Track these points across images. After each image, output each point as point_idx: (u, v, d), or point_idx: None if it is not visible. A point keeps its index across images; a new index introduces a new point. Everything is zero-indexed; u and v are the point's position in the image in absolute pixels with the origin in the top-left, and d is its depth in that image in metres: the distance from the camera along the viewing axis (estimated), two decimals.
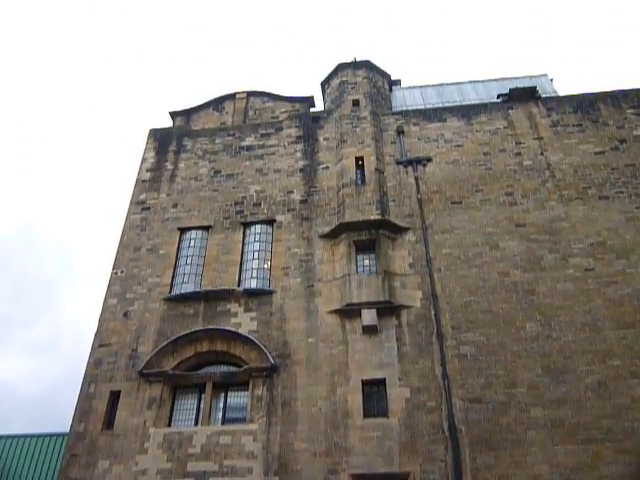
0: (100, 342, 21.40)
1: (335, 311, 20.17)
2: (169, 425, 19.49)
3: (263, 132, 27.02)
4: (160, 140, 27.79)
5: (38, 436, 21.58)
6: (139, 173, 26.58)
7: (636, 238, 20.70)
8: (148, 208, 25.04)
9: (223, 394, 20.07)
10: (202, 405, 19.76)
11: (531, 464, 16.60)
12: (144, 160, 27.12)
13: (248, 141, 26.78)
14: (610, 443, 16.70)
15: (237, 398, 19.91)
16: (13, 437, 22.24)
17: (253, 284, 21.85)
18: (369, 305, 19.71)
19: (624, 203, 21.74)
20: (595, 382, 17.80)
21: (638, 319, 18.87)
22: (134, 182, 26.30)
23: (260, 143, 26.57)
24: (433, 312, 19.64)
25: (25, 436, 21.50)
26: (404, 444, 17.41)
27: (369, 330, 19.39)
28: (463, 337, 19.10)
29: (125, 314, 21.94)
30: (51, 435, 22.91)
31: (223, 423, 19.31)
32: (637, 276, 19.78)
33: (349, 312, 19.90)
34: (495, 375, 18.25)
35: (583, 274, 20.15)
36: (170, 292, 22.24)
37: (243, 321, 20.64)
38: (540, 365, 18.28)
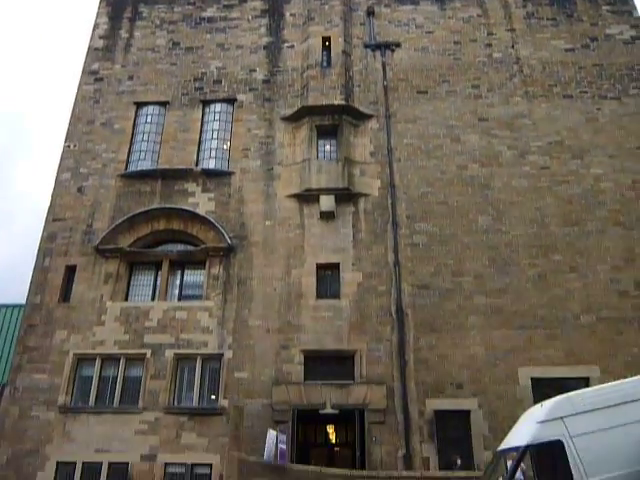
0: (54, 216, 21.08)
1: (294, 195, 20.24)
2: (126, 300, 19.87)
3: (226, 3, 25.30)
4: (113, 5, 25.75)
5: None
6: (91, 40, 24.85)
7: (593, 139, 21.05)
8: (101, 79, 23.72)
9: (180, 272, 20.40)
10: (159, 282, 20.10)
11: (469, 346, 17.88)
12: (96, 26, 25.25)
13: (210, 12, 25.12)
14: (542, 330, 18.03)
15: (193, 276, 20.29)
16: None
17: (212, 164, 21.52)
18: (328, 191, 19.82)
19: (587, 103, 21.83)
20: (536, 274, 18.84)
21: (583, 218, 19.68)
22: (86, 50, 24.64)
23: (222, 15, 24.97)
24: (390, 201, 19.95)
25: None
26: (353, 324, 18.36)
27: (326, 216, 19.67)
28: (417, 227, 19.63)
29: (79, 189, 21.48)
30: (7, 306, 23.10)
31: (179, 299, 19.81)
32: (588, 177, 20.35)
33: (307, 197, 20.01)
34: (444, 264, 19.05)
35: (538, 172, 20.59)
36: (126, 169, 21.74)
37: (201, 201, 20.54)
38: (487, 256, 19.12)
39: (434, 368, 17.64)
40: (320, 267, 19.30)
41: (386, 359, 17.82)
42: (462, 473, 13.79)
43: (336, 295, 18.93)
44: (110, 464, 17.31)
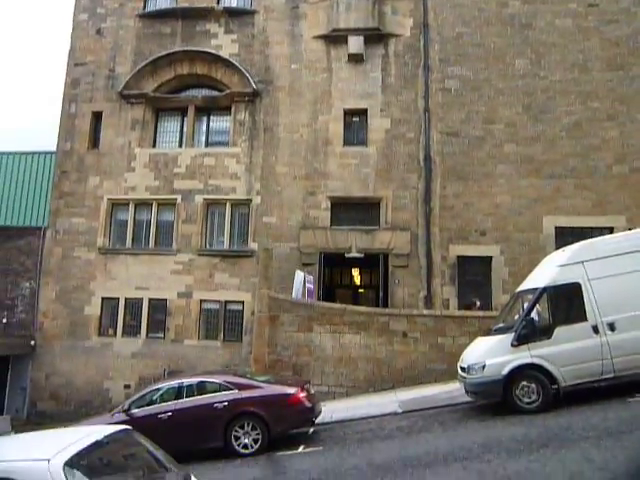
0: (75, 61, 20.61)
1: (321, 37, 19.18)
2: (154, 146, 20.00)
3: None
4: None
5: (29, 153, 21.99)
6: None
7: None
8: None
9: (205, 118, 20.21)
10: (185, 128, 20.02)
11: (495, 194, 17.85)
12: None
13: None
14: (572, 179, 17.76)
15: (219, 122, 20.12)
16: (7, 154, 22.56)
17: (234, 2, 20.26)
18: (356, 31, 18.71)
19: None
20: (572, 122, 18.13)
21: (629, 62, 18.38)
22: None
23: None
24: (422, 42, 18.81)
25: (17, 153, 21.87)
26: (380, 171, 18.34)
27: (355, 58, 18.76)
28: (450, 71, 18.68)
29: (98, 31, 20.69)
30: (41, 153, 23.44)
31: (206, 146, 19.85)
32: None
33: (335, 38, 18.96)
34: (476, 111, 18.40)
35: (585, 10, 18.91)
36: (144, 8, 20.66)
37: (224, 43, 19.67)
38: (522, 103, 18.33)
39: (459, 215, 17.84)
40: (347, 113, 18.86)
41: (411, 206, 18.02)
42: (479, 313, 14.51)
43: (363, 142, 18.70)
44: (150, 300, 18.67)
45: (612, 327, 8.98)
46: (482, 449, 7.14)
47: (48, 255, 19.29)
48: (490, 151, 18.13)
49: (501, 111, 18.35)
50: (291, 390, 9.51)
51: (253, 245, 18.42)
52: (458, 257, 17.64)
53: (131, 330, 18.59)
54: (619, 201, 17.48)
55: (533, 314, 10.33)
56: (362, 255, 17.96)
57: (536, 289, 9.68)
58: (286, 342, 14.57)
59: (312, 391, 10.26)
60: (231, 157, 19.16)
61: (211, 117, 20.17)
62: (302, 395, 9.45)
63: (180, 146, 19.89)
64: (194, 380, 10.17)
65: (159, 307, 18.69)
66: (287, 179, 18.71)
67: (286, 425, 9.50)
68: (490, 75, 18.57)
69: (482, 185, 17.94)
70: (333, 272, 21.75)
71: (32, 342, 18.65)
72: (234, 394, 9.47)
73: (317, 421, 11.08)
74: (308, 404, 9.47)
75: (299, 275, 15.64)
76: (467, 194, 17.94)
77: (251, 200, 18.77)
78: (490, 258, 17.56)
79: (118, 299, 18.71)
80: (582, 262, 9.40)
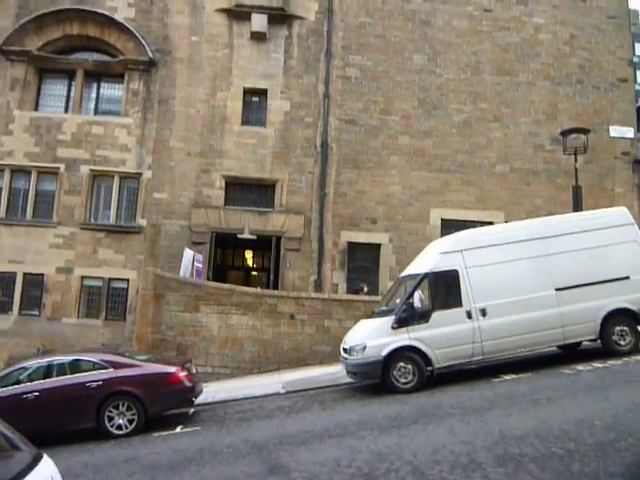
0: None
1: (223, 10, 18.64)
2: (36, 109, 18.55)
3: None
4: None
5: None
6: None
7: None
8: None
9: (96, 84, 19.05)
10: (72, 93, 18.74)
11: (388, 184, 18.39)
12: None
13: None
14: (459, 175, 18.70)
15: (111, 90, 19.05)
16: None
17: None
18: (261, 9, 18.38)
19: None
20: (462, 120, 19.04)
21: (516, 68, 19.58)
22: None
23: None
24: (326, 28, 18.87)
25: None
26: (277, 154, 18.25)
27: (257, 37, 18.45)
28: (351, 59, 18.91)
29: None
30: None
31: (95, 114, 18.71)
32: (528, 25, 19.90)
33: (238, 14, 18.51)
34: (373, 101, 18.79)
35: (480, 14, 19.87)
36: None
37: (120, 5, 18.55)
38: (417, 97, 18.98)
39: (352, 202, 18.19)
40: (247, 92, 18.56)
41: (307, 190, 18.12)
42: (366, 297, 14.90)
43: (262, 123, 18.50)
44: (25, 274, 17.38)
45: (484, 313, 9.54)
46: (357, 426, 7.31)
47: None
48: (385, 141, 18.61)
49: (398, 103, 18.87)
50: (170, 369, 9.21)
51: (142, 221, 17.68)
52: (349, 243, 18.02)
53: (2, 306, 17.20)
54: (499, 198, 18.65)
55: (416, 299, 10.79)
56: (255, 237, 17.83)
57: (418, 275, 10.07)
58: (171, 322, 14.14)
59: (194, 371, 10.00)
60: (122, 128, 18.21)
61: (102, 84, 19.04)
62: (182, 374, 9.18)
63: (66, 112, 18.59)
64: (66, 358, 9.55)
65: (35, 283, 17.45)
66: (181, 155, 18.10)
67: (164, 405, 9.19)
68: (389, 67, 19.02)
69: (375, 174, 18.39)
70: (225, 253, 21.41)
71: None
72: (109, 373, 9.00)
73: (199, 401, 10.85)
74: (188, 384, 9.21)
75: (188, 253, 15.22)
76: (361, 182, 18.32)
77: (141, 174, 17.98)
78: (379, 245, 18.10)
79: None
80: (461, 251, 9.89)
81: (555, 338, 9.86)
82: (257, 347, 14.27)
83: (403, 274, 11.07)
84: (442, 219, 18.29)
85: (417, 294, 10.81)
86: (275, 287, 17.43)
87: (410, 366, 9.33)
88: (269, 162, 18.19)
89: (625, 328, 9.94)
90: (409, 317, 9.48)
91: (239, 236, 17.77)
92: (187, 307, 14.15)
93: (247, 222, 17.77)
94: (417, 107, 18.95)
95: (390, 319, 9.53)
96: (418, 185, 18.52)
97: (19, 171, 17.98)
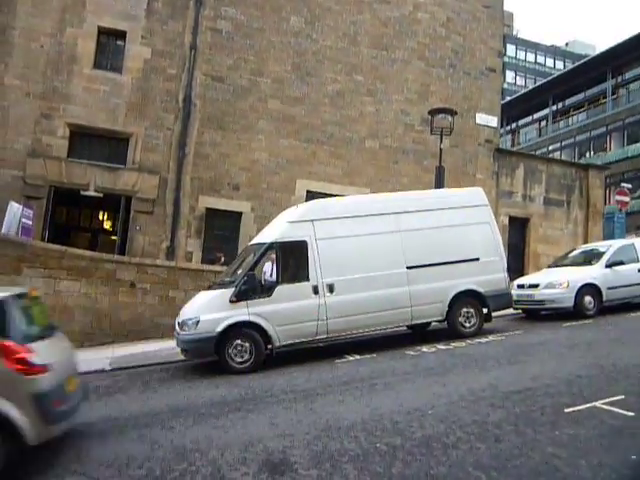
0: None
1: None
2: None
3: None
4: None
5: None
6: None
7: None
8: None
9: None
10: None
11: (254, 149, 17.30)
12: None
13: None
14: (329, 147, 18.09)
15: None
16: None
17: None
18: None
19: None
20: (335, 91, 18.37)
21: (393, 44, 19.20)
22: None
23: None
24: None
25: None
26: (133, 105, 16.41)
27: None
28: (223, 11, 17.41)
29: None
30: None
31: None
32: (409, 3, 19.57)
33: None
34: (245, 59, 17.50)
35: None
36: None
37: None
38: (292, 61, 17.97)
39: (214, 166, 16.91)
40: (103, 32, 16.44)
41: (164, 148, 16.53)
42: (217, 267, 13.82)
43: (118, 69, 16.51)
44: None
45: (331, 289, 8.88)
46: (171, 414, 6.31)
47: None
48: (254, 104, 17.45)
49: (270, 65, 17.75)
50: None
51: None
52: (207, 209, 16.77)
53: None
54: (367, 174, 18.33)
55: (267, 270, 9.93)
56: (101, 195, 16.01)
57: (263, 244, 9.17)
58: None
59: None
60: None
61: None
62: None
63: None
64: None
65: None
66: (18, 94, 15.66)
67: None
68: (264, 25, 17.80)
69: (241, 138, 17.23)
70: (72, 212, 19.22)
71: None
72: None
73: None
74: None
75: (13, 207, 13.14)
76: (225, 145, 17.07)
77: None
78: (240, 214, 17.05)
79: None
80: (312, 221, 9.13)
81: (403, 318, 9.47)
82: (90, 317, 12.67)
83: (251, 242, 10.12)
84: (307, 191, 17.60)
85: (268, 265, 9.98)
86: (122, 252, 15.79)
87: (247, 344, 8.45)
88: (123, 113, 16.31)
89: (471, 310, 9.82)
90: (250, 290, 8.54)
91: (83, 193, 15.84)
92: (6, 269, 12.15)
93: (93, 178, 15.85)
94: (290, 71, 17.96)
95: (229, 291, 8.55)
96: (285, 153, 17.64)
97: None
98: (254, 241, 9.96)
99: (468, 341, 9.26)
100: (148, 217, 16.25)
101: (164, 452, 4.99)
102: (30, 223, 13.86)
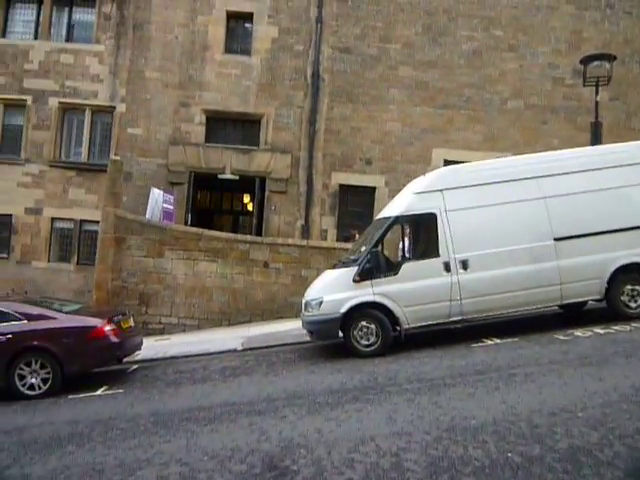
0: None
1: None
2: (3, 36, 16.94)
3: None
4: None
5: None
6: None
7: None
8: None
9: (67, 9, 17.24)
10: (42, 18, 17.03)
11: (385, 120, 16.54)
12: None
13: None
14: (466, 111, 16.75)
15: (84, 14, 17.24)
16: None
17: None
18: None
19: None
20: (471, 50, 16.91)
21: None
22: None
23: None
24: None
25: None
26: (263, 86, 16.47)
27: None
28: None
29: None
30: None
31: (67, 40, 17.02)
32: None
33: None
34: (373, 27, 16.71)
35: None
36: None
37: None
38: (422, 23, 16.82)
39: (345, 141, 16.45)
40: (231, 16, 16.63)
41: (295, 127, 16.40)
42: (349, 245, 13.36)
43: (247, 51, 16.65)
44: None
45: (465, 265, 7.96)
46: (287, 401, 5.97)
47: None
48: (384, 73, 16.64)
49: (399, 30, 16.78)
50: (92, 322, 7.93)
51: (115, 159, 16.18)
52: (340, 186, 16.41)
53: None
54: (510, 137, 16.72)
55: (406, 245, 9.30)
56: (237, 177, 16.30)
57: (388, 218, 8.49)
58: (133, 268, 12.87)
59: (131, 324, 8.73)
60: (93, 56, 16.55)
61: (74, 8, 17.22)
62: (107, 328, 7.89)
63: (36, 38, 16.95)
64: None
65: (4, 224, 16.33)
66: (157, 86, 16.44)
67: (84, 363, 7.94)
68: None
69: (372, 110, 16.54)
70: (213, 196, 19.99)
71: None
72: (21, 325, 7.76)
73: (147, 357, 9.79)
74: (114, 339, 7.93)
75: (155, 193, 13.81)
76: (355, 118, 16.51)
77: (115, 107, 16.41)
78: (374, 189, 16.44)
79: None
80: (441, 190, 8.23)
81: (551, 297, 8.22)
82: (227, 297, 12.97)
83: (377, 217, 9.44)
84: (445, 160, 16.40)
85: (408, 240, 9.31)
86: (259, 233, 16.01)
87: (373, 326, 7.87)
88: (254, 95, 16.44)
89: (637, 287, 8.25)
90: (374, 268, 7.91)
91: (219, 176, 16.27)
92: (150, 252, 12.84)
93: (229, 161, 16.21)
94: (421, 34, 16.83)
95: (352, 270, 8.02)
96: (419, 122, 16.63)
97: None
98: (380, 215, 9.28)
99: (634, 324, 7.80)
100: (282, 197, 16.30)
101: (270, 445, 4.63)
102: (172, 208, 14.51)
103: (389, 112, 16.59)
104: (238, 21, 16.80)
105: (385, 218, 8.60)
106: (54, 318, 7.91)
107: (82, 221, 16.24)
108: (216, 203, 20.15)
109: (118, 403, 6.90)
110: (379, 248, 8.20)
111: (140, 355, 9.97)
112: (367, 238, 9.04)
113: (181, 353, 10.05)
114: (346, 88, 16.53)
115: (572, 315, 9.25)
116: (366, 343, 7.90)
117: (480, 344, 7.77)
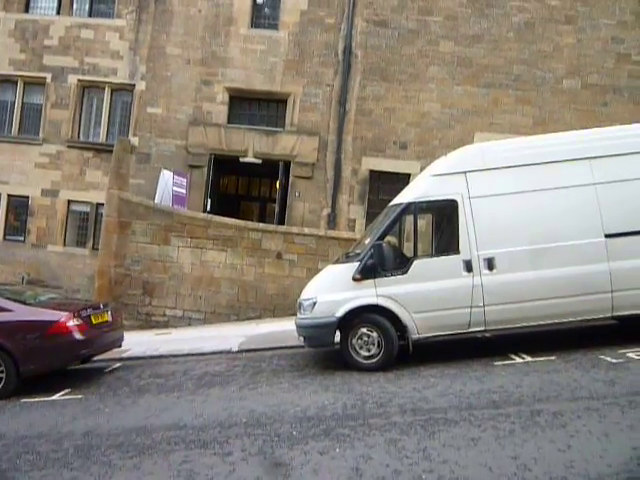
0: None
1: None
2: (26, 11, 16.36)
3: None
4: None
5: None
6: None
7: None
8: None
9: None
10: None
11: (423, 101, 15.04)
12: None
13: None
14: (514, 91, 15.03)
15: None
16: None
17: None
18: None
19: None
20: (523, 22, 15.13)
21: None
22: None
23: None
24: None
25: None
26: (290, 62, 15.24)
27: None
28: None
29: None
30: None
31: (90, 15, 16.28)
32: None
33: None
34: None
35: None
36: None
37: None
38: None
39: (378, 123, 15.04)
40: None
41: (323, 107, 15.13)
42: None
43: (274, 25, 15.46)
44: (9, 196, 15.81)
45: (491, 264, 6.51)
46: (245, 429, 4.75)
47: None
48: (423, 48, 15.11)
49: (441, 1, 15.17)
50: (54, 317, 6.93)
51: (134, 140, 15.39)
52: (371, 172, 15.05)
53: None
54: (565, 121, 14.84)
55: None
56: (260, 161, 15.17)
57: (399, 205, 7.11)
58: (137, 255, 11.96)
59: (107, 318, 7.71)
60: (114, 31, 15.75)
61: None
62: (71, 324, 6.89)
63: (58, 13, 16.28)
64: None
65: (20, 205, 15.84)
66: (179, 63, 15.48)
67: (43, 362, 6.94)
68: None
69: (408, 89, 15.06)
70: (240, 180, 18.93)
71: None
72: None
73: (135, 355, 8.83)
74: (79, 336, 6.92)
75: (165, 175, 12.86)
76: (390, 98, 15.07)
77: (134, 85, 15.58)
78: (408, 175, 14.91)
79: None
80: (465, 172, 6.78)
81: (599, 307, 6.62)
82: (236, 290, 11.88)
83: (391, 203, 8.06)
84: None
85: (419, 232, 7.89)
86: (281, 222, 14.86)
87: (375, 334, 6.54)
88: (280, 72, 15.24)
89: None
90: (378, 265, 6.57)
91: (241, 160, 15.18)
92: (156, 238, 11.89)
93: (252, 143, 15.10)
94: (466, 5, 15.16)
95: (353, 267, 6.70)
96: (461, 103, 15.02)
97: (4, 81, 16.08)
98: (394, 201, 7.88)
99: None
100: (307, 182, 15.07)
101: None
102: (184, 192, 13.53)
103: (427, 92, 15.06)
104: None
105: (396, 205, 7.23)
106: (10, 310, 6.97)
107: (98, 204, 15.49)
108: (242, 189, 19.08)
109: (62, 414, 5.89)
110: (384, 241, 6.82)
111: (129, 352, 9.04)
112: (373, 228, 7.69)
113: (171, 352, 9.02)
114: (380, 65, 15.09)
115: (628, 328, 7.59)
116: (366, 354, 6.59)
117: (505, 362, 6.32)
